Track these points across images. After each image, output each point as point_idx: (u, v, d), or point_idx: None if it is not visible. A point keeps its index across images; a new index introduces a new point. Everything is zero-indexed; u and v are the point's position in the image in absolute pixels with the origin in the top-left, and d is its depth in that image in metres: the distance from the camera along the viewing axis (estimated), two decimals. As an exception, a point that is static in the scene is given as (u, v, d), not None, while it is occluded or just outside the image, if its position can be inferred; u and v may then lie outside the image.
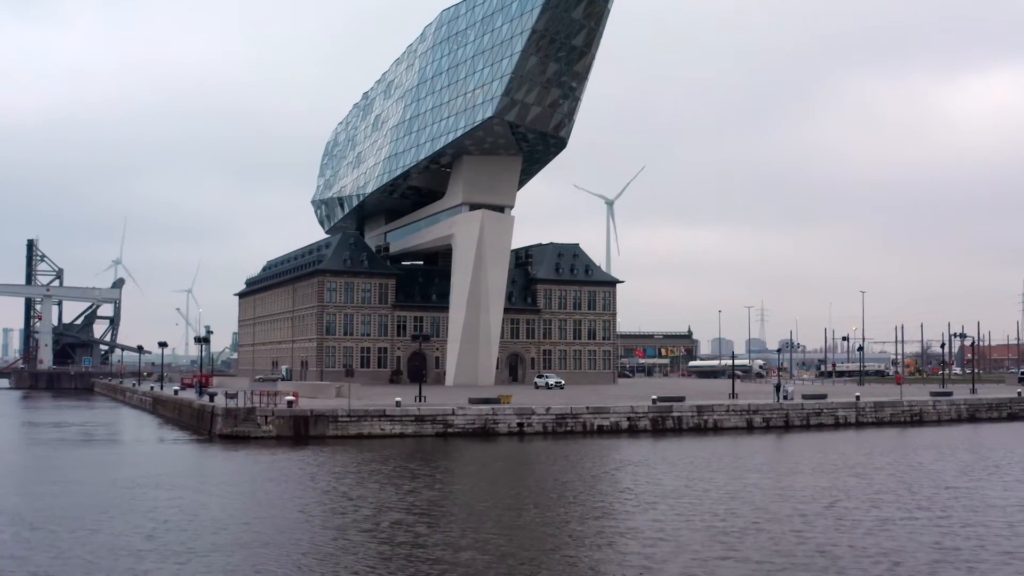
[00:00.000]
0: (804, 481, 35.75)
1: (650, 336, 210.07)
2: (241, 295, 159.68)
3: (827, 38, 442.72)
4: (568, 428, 58.63)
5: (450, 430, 56.46)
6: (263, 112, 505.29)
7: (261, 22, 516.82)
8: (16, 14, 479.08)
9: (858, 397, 71.51)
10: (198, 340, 74.67)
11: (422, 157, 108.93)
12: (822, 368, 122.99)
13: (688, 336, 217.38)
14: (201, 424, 61.92)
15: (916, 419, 70.96)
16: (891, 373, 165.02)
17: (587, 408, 60.17)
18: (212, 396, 64.36)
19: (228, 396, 62.77)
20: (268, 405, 57.11)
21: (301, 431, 54.67)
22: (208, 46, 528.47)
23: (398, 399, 58.54)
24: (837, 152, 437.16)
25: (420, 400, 63.86)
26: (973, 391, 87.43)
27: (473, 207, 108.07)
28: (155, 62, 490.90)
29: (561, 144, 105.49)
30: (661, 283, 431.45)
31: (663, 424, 61.33)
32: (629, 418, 60.71)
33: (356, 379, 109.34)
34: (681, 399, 66.13)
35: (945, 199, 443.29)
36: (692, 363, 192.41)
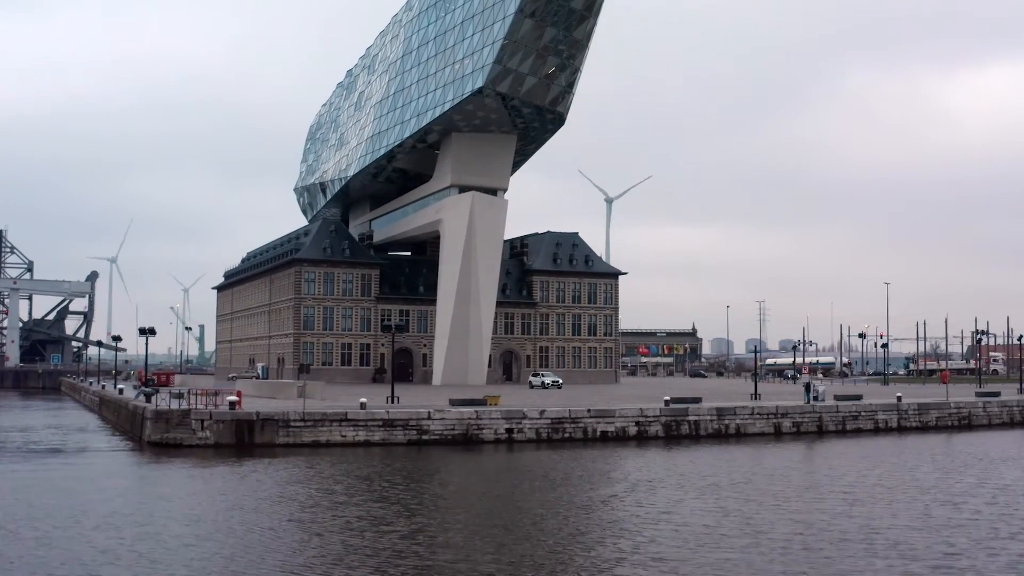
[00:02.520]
0: (884, 517, 26.33)
1: (652, 334, 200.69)
2: (219, 288, 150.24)
3: (827, 34, 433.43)
4: (566, 434, 49.43)
5: (425, 437, 47.28)
6: (252, 106, 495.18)
7: (249, 14, 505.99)
8: None
9: (899, 398, 62.22)
10: (143, 332, 65.28)
11: (407, 135, 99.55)
12: (910, 367, 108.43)
13: (692, 334, 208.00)
14: (135, 429, 52.79)
15: (964, 423, 61.80)
16: (907, 372, 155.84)
17: (588, 411, 50.89)
18: (149, 396, 55.13)
19: (174, 396, 53.81)
20: (207, 407, 47.82)
21: (245, 438, 45.48)
22: (195, 39, 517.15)
23: (363, 400, 49.26)
24: (837, 150, 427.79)
25: (393, 401, 54.61)
26: (1021, 391, 78.24)
27: (463, 190, 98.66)
28: (139, 56, 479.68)
29: (559, 120, 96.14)
30: (659, 281, 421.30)
31: (677, 429, 52.11)
32: (638, 423, 51.45)
33: (338, 378, 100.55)
34: (697, 400, 56.96)
35: (947, 197, 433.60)
36: (769, 361, 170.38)
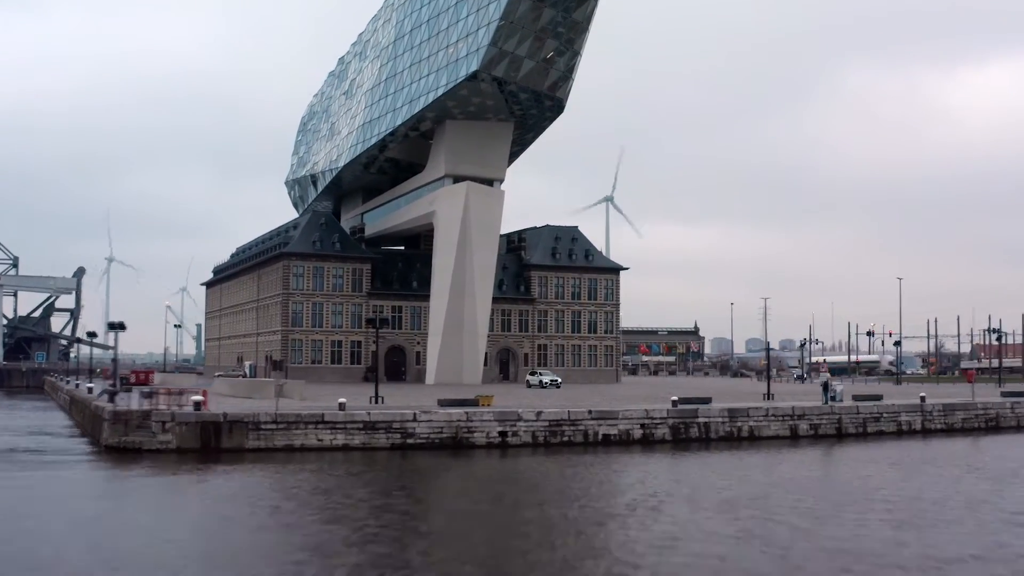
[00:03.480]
0: (945, 543, 22.03)
1: (654, 332, 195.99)
2: (208, 284, 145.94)
3: (827, 29, 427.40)
4: (565, 438, 45.17)
5: (410, 441, 43.01)
6: (252, 101, 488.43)
7: (246, 9, 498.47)
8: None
9: (923, 398, 57.95)
10: (112, 327, 61.11)
11: (399, 122, 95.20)
12: (955, 366, 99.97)
13: (694, 332, 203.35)
14: (96, 431, 48.53)
15: (992, 425, 57.64)
16: (915, 371, 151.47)
17: (589, 412, 46.57)
18: (112, 395, 50.87)
19: (145, 395, 49.50)
20: (169, 408, 43.52)
21: (211, 442, 41.25)
22: (193, 34, 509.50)
23: (342, 400, 44.91)
24: (838, 148, 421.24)
25: (376, 401, 50.33)
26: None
27: (457, 180, 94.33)
28: (135, 51, 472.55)
29: (558, 107, 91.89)
30: (656, 280, 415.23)
31: (686, 432, 47.82)
32: (643, 425, 47.14)
33: (328, 376, 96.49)
34: (707, 401, 52.72)
35: (947, 196, 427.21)
36: (813, 359, 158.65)
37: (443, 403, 48.13)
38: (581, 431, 45.75)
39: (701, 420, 48.81)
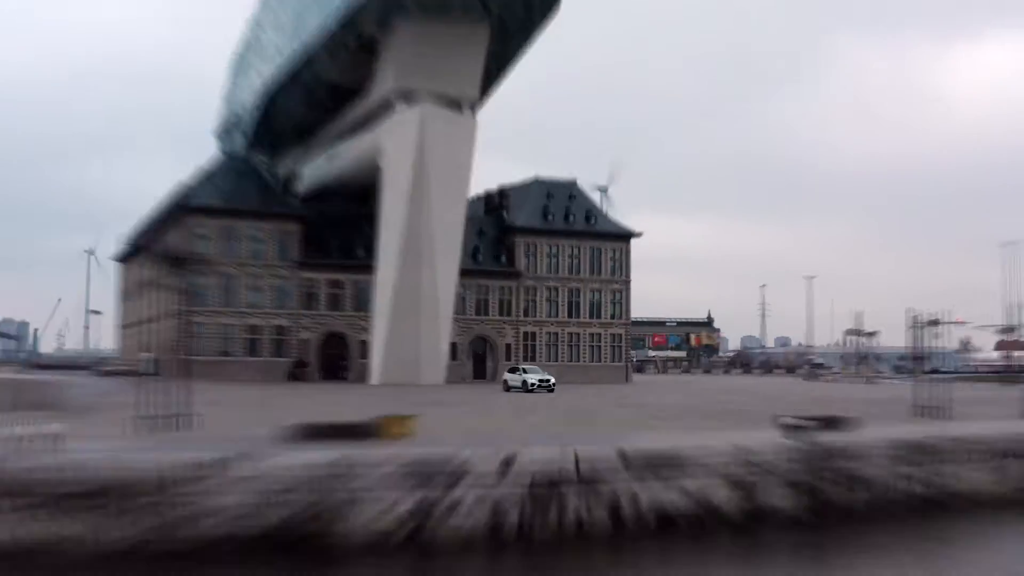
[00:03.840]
0: None
1: (662, 323, 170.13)
2: (122, 259, 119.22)
3: (824, 15, 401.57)
4: (568, 516, 19.35)
5: (184, 532, 17.17)
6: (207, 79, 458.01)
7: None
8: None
9: None
10: None
11: (331, 24, 69.02)
12: None
13: (708, 323, 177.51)
14: None
15: None
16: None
17: (623, 458, 20.54)
18: None
19: None
20: None
21: None
22: (131, 8, 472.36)
23: (20, 430, 18.77)
24: (837, 144, 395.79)
25: (174, 421, 24.65)
26: None
27: (412, 100, 68.24)
28: (80, 24, 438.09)
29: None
30: (648, 276, 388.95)
31: (822, 493, 22.05)
32: (736, 483, 21.27)
33: (243, 373, 71.38)
34: (837, 422, 27.08)
35: (945, 193, 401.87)
36: None
37: (299, 435, 22.28)
38: (604, 499, 19.98)
39: (850, 467, 23.04)
